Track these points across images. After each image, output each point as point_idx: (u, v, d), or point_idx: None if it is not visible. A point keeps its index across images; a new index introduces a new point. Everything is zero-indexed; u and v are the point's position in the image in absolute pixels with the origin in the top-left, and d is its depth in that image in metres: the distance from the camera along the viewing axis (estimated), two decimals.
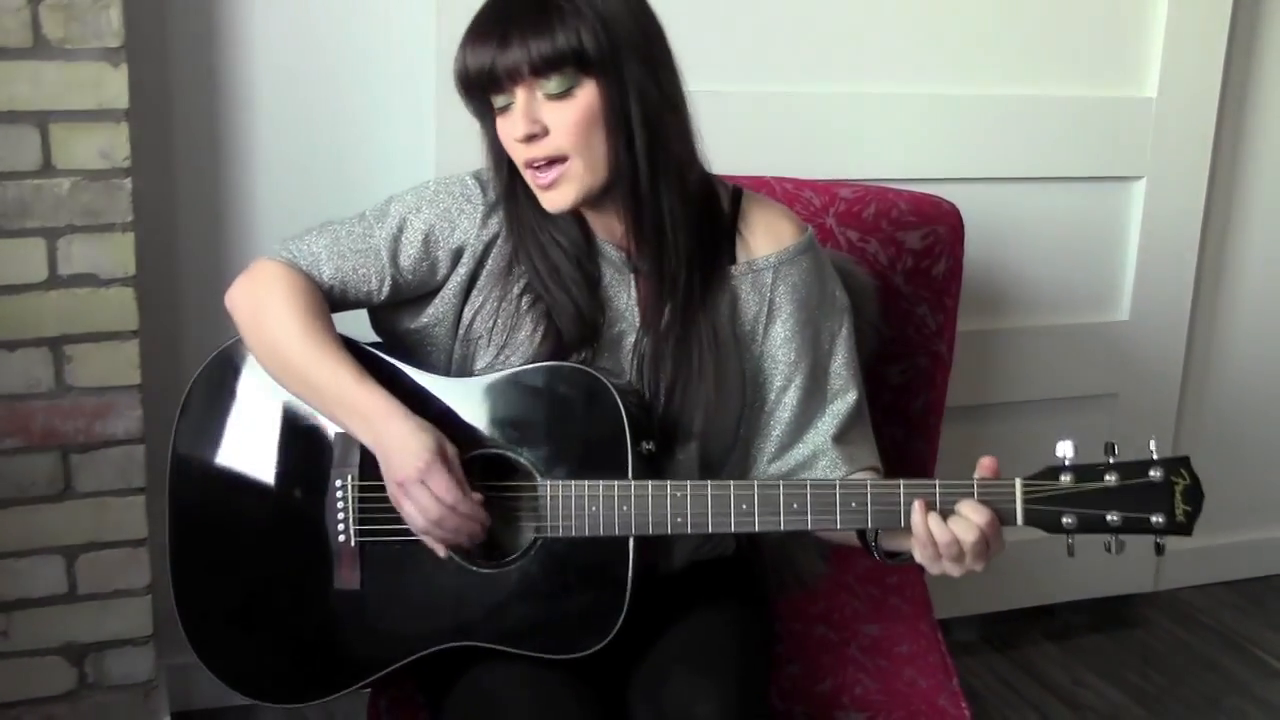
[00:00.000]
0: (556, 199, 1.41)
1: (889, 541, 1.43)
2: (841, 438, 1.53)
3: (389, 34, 2.16)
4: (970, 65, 2.45)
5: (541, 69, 1.35)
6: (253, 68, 2.12)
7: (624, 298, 1.51)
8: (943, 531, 1.33)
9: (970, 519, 1.33)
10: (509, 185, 1.47)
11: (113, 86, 1.87)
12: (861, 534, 1.45)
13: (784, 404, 1.53)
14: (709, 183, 1.51)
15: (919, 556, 1.36)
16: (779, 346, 1.52)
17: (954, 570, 1.35)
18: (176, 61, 2.08)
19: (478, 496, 1.40)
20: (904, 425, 1.98)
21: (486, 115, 1.44)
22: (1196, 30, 2.56)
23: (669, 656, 1.47)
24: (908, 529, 1.36)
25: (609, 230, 1.49)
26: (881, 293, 1.92)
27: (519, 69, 1.35)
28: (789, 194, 1.98)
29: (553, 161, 1.39)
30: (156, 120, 2.08)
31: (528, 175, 1.42)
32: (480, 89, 1.39)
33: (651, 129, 1.39)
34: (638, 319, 1.50)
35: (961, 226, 2.00)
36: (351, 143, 2.18)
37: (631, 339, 1.50)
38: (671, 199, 1.43)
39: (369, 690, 1.65)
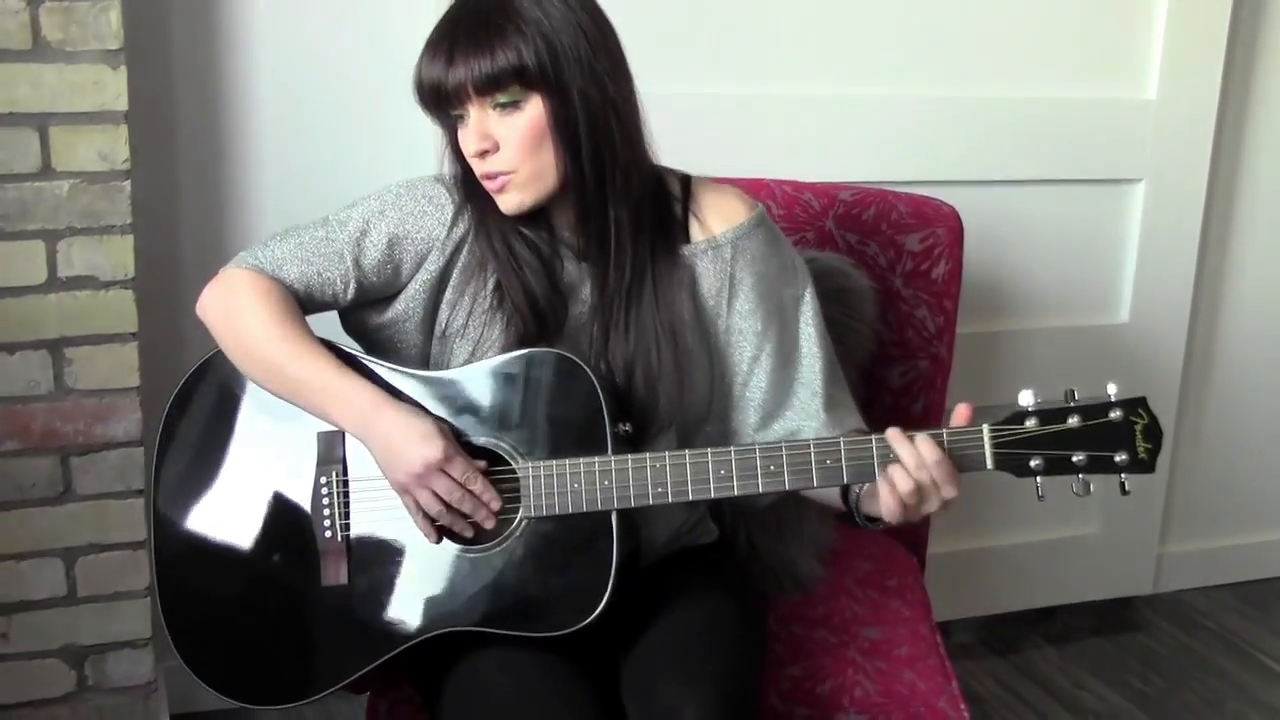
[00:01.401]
0: (509, 203, 1.47)
1: (870, 507, 1.46)
2: (830, 403, 1.57)
3: (388, 36, 2.16)
4: (970, 68, 2.45)
5: (484, 88, 1.40)
6: (252, 70, 2.12)
7: (585, 289, 1.54)
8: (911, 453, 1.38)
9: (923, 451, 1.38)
10: (469, 181, 1.51)
11: (112, 88, 1.87)
12: (845, 498, 1.49)
13: (757, 375, 1.56)
14: (657, 178, 1.55)
15: (898, 479, 1.38)
16: (744, 318, 1.55)
17: (933, 498, 1.38)
18: (176, 63, 2.09)
19: (481, 464, 1.44)
20: (904, 427, 1.98)
21: (445, 120, 1.48)
22: (1196, 33, 2.56)
23: (657, 654, 1.48)
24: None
25: (570, 223, 1.52)
26: (881, 295, 1.92)
27: (464, 87, 1.41)
28: (789, 196, 1.98)
29: (503, 171, 1.44)
30: (156, 122, 2.09)
31: (483, 181, 1.47)
32: (435, 103, 1.45)
33: (597, 137, 1.44)
34: (596, 310, 1.53)
35: (961, 229, 2.00)
36: (351, 144, 2.19)
37: (590, 329, 1.53)
38: (618, 202, 1.48)
39: (368, 693, 1.66)
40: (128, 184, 1.91)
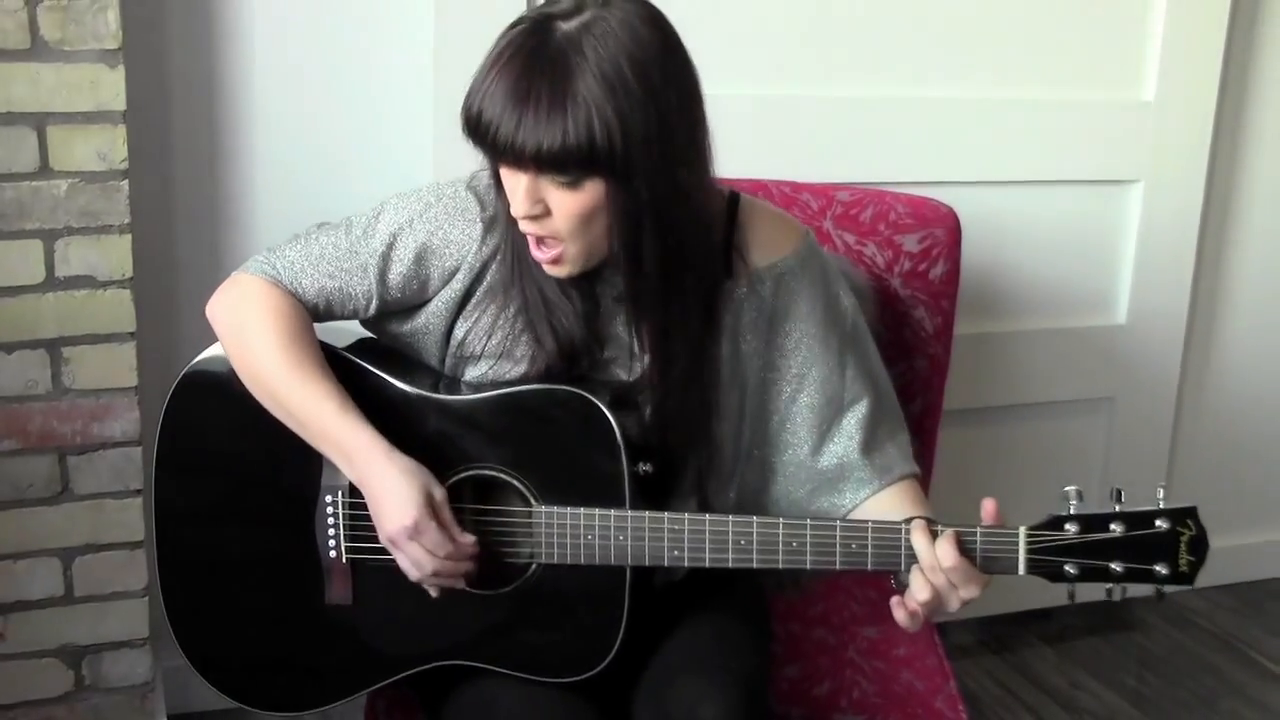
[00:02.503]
0: (559, 272, 1.39)
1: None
2: (869, 447, 1.50)
3: (387, 35, 2.16)
4: (968, 69, 2.45)
5: (546, 165, 1.28)
6: (250, 69, 2.12)
7: (619, 323, 1.47)
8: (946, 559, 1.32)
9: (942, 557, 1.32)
10: (507, 214, 1.40)
11: (110, 88, 1.87)
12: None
13: (795, 414, 1.50)
14: (709, 212, 1.44)
15: (916, 582, 1.34)
16: (783, 357, 1.49)
17: (952, 599, 1.34)
18: (174, 63, 2.08)
19: (469, 539, 1.39)
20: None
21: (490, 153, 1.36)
22: (1194, 34, 2.56)
23: (672, 661, 1.47)
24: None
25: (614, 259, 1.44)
26: (879, 295, 1.92)
27: (524, 158, 1.28)
28: (786, 197, 1.98)
29: (549, 238, 1.35)
30: (154, 122, 2.08)
31: (527, 236, 1.38)
32: (486, 147, 1.32)
33: (661, 224, 1.34)
34: (631, 345, 1.47)
35: (959, 229, 2.00)
36: (349, 144, 2.18)
37: (623, 364, 1.48)
38: (677, 277, 1.38)
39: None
40: (125, 183, 1.91)
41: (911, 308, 1.98)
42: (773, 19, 2.30)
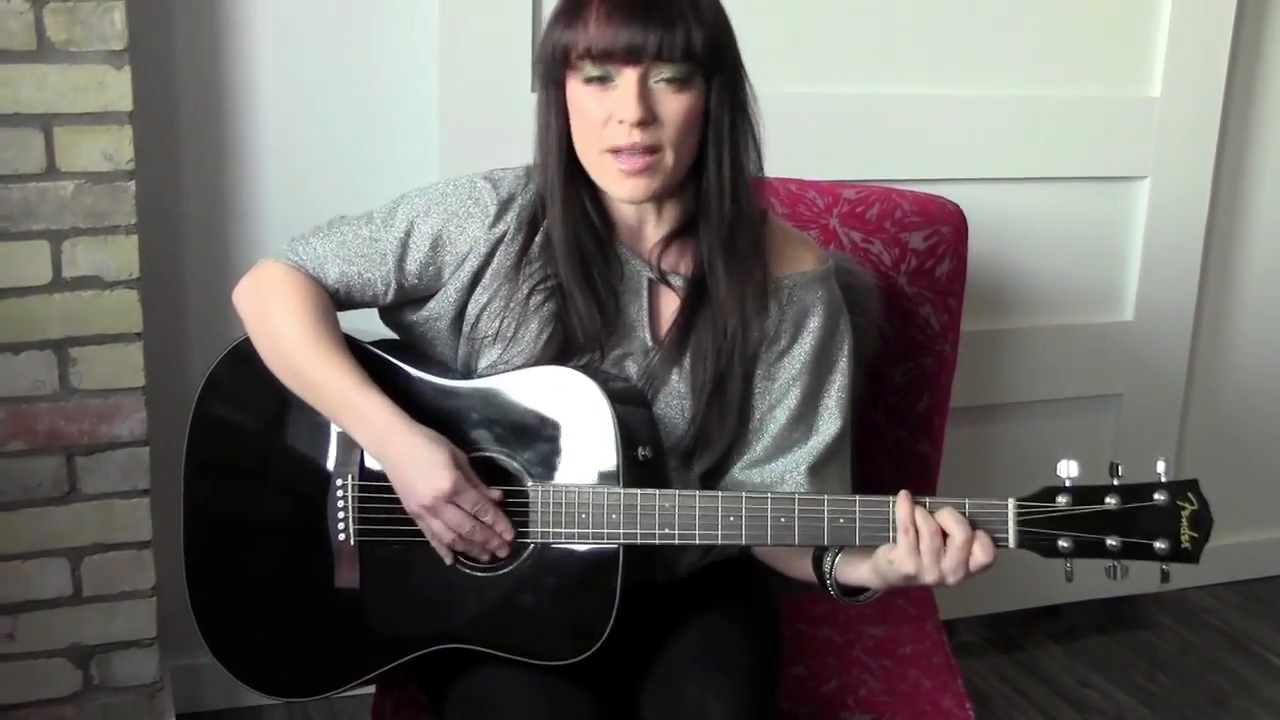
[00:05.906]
0: (639, 188, 1.39)
1: (846, 573, 1.40)
2: (816, 469, 1.52)
3: (393, 36, 2.16)
4: (974, 66, 2.45)
5: (666, 54, 1.34)
6: (256, 70, 2.12)
7: (634, 307, 1.49)
8: (928, 521, 1.30)
9: (951, 525, 1.30)
10: (568, 171, 1.43)
11: (116, 89, 1.87)
12: (818, 567, 1.42)
13: (770, 423, 1.51)
14: (759, 193, 1.49)
15: (902, 544, 1.31)
16: (774, 364, 1.51)
17: (931, 570, 1.30)
18: (180, 63, 2.09)
19: (495, 493, 1.41)
20: (908, 426, 1.98)
21: (556, 94, 1.40)
22: (1201, 29, 2.56)
23: (679, 657, 1.47)
24: (867, 555, 1.35)
25: (632, 236, 1.48)
26: (885, 293, 1.92)
27: (641, 49, 1.33)
28: (793, 195, 1.98)
29: (648, 150, 1.37)
30: (160, 122, 2.09)
31: (607, 160, 1.38)
32: (589, 60, 1.35)
33: (735, 138, 1.42)
34: (647, 329, 1.49)
35: (965, 227, 2.00)
36: (356, 144, 2.19)
37: (637, 348, 1.49)
38: (731, 211, 1.43)
39: (373, 691, 1.66)
40: (132, 184, 1.91)
41: (918, 305, 1.98)
42: (777, 17, 2.30)
